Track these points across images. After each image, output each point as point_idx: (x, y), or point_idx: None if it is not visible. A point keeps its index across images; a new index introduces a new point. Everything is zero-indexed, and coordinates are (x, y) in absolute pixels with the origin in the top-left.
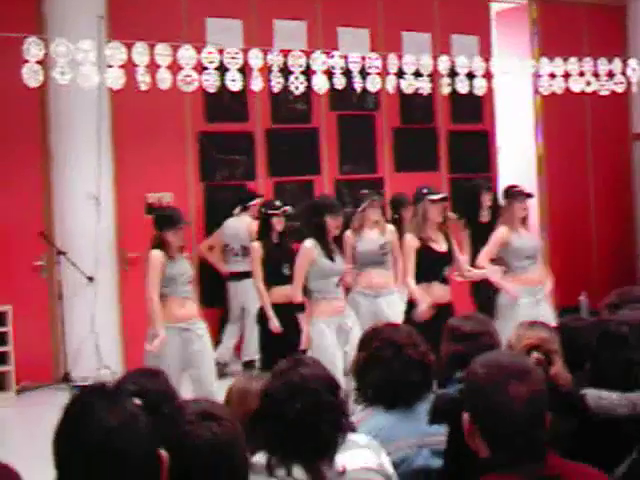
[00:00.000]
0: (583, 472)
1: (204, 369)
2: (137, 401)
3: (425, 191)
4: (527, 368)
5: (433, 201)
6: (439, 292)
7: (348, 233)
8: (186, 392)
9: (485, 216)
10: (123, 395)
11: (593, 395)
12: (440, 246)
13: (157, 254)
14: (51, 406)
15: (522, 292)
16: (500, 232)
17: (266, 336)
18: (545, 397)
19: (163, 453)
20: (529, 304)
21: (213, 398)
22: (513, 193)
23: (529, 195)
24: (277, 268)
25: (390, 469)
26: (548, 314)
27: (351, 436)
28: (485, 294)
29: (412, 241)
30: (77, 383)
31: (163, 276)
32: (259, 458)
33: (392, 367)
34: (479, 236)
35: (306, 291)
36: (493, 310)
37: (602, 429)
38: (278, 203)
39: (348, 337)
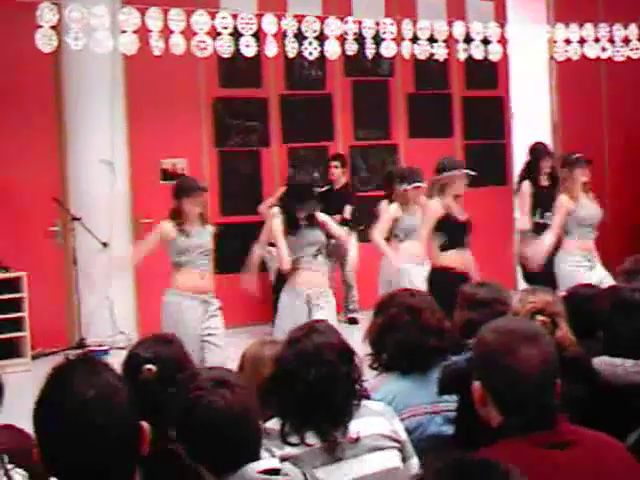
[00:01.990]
0: (596, 439)
1: (218, 348)
2: (152, 367)
3: (448, 162)
4: (537, 332)
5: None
6: (468, 259)
7: (384, 205)
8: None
9: (544, 180)
10: (104, 366)
11: (607, 363)
12: (460, 215)
13: (164, 225)
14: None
15: (580, 257)
16: (562, 202)
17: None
18: (556, 362)
19: (145, 425)
20: (586, 269)
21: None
22: (574, 160)
23: (589, 161)
24: None
25: (403, 435)
26: (605, 277)
27: (365, 402)
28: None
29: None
30: (92, 348)
31: (174, 247)
32: (273, 424)
33: (409, 332)
34: (539, 200)
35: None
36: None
37: (614, 397)
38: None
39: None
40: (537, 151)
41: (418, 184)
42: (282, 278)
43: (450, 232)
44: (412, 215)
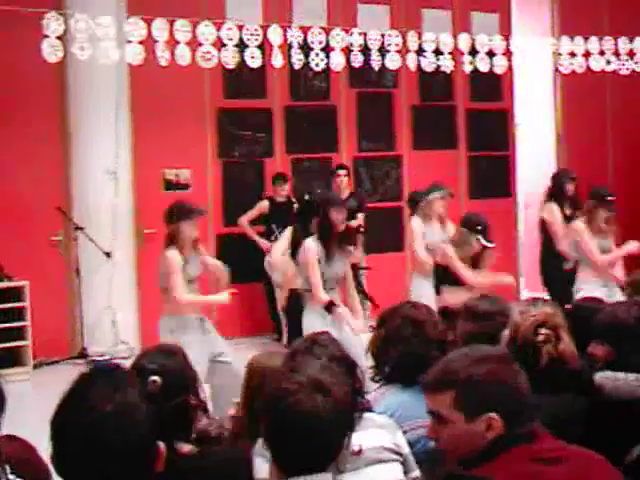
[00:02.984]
0: (580, 455)
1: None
2: (157, 379)
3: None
4: (503, 350)
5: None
6: (460, 295)
7: (415, 219)
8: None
9: (567, 208)
10: (129, 382)
11: (609, 377)
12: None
13: (174, 255)
14: (67, 381)
15: (596, 285)
16: (580, 228)
17: (295, 322)
18: None
19: (161, 445)
20: (603, 293)
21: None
22: (602, 197)
23: (613, 203)
24: None
25: (405, 448)
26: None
27: (367, 415)
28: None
29: None
30: (94, 358)
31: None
32: None
33: (412, 344)
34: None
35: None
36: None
37: (616, 411)
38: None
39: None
40: (561, 177)
41: (440, 194)
42: (293, 299)
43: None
44: (430, 228)
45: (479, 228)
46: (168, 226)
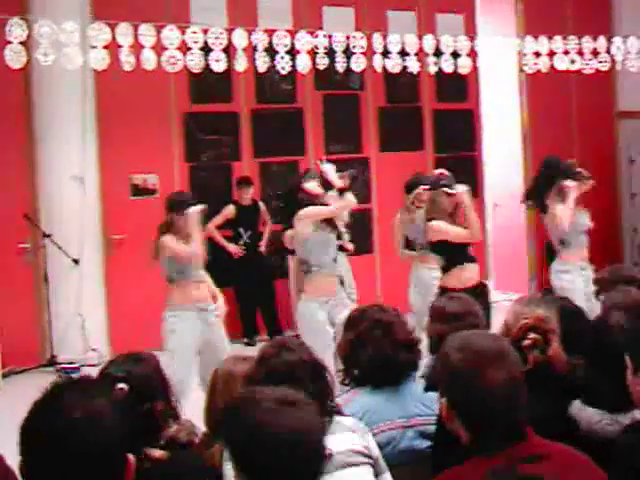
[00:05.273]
0: (566, 452)
1: (220, 353)
2: (123, 386)
3: (443, 182)
4: (502, 351)
5: (449, 194)
6: (471, 273)
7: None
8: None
9: None
10: (100, 392)
11: (585, 415)
12: None
13: (169, 238)
14: (37, 390)
15: (576, 271)
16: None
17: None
18: (522, 377)
19: (130, 457)
20: (583, 281)
21: None
22: (574, 172)
23: (589, 177)
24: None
25: (376, 451)
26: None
27: (337, 418)
28: None
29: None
30: (64, 366)
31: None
32: None
33: (381, 347)
34: None
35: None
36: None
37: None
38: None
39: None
40: (555, 167)
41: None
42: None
43: (452, 246)
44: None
45: (442, 182)
46: (166, 214)
